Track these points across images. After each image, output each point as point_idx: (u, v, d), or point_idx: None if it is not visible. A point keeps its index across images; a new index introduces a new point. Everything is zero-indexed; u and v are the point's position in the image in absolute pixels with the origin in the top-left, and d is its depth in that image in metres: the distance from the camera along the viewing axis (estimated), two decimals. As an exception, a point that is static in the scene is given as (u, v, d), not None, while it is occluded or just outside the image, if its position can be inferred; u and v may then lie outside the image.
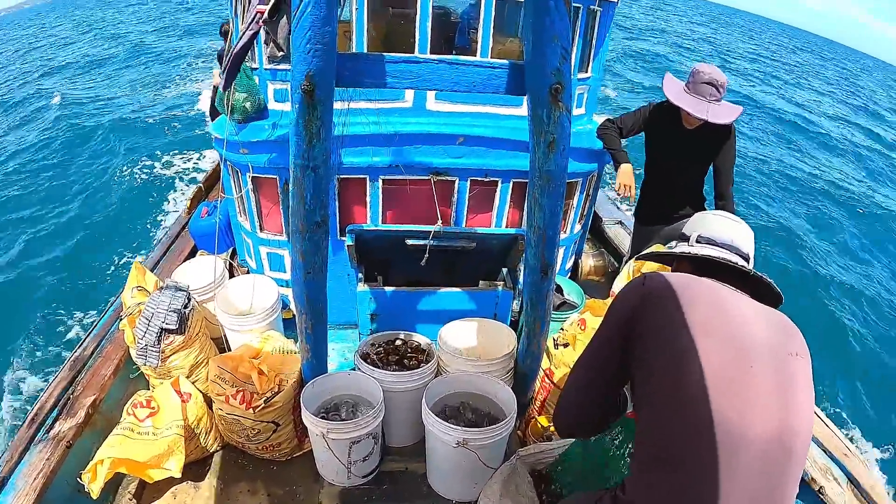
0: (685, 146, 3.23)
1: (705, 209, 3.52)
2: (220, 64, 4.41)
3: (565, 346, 2.80)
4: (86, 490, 2.38)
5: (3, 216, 9.36)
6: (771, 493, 1.23)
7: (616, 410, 1.63)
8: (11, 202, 9.86)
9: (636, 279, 1.44)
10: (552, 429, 2.80)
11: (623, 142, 3.45)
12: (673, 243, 1.65)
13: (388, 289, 3.15)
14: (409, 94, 3.18)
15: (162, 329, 2.78)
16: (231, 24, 2.89)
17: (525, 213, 3.44)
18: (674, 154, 3.29)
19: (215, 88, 4.63)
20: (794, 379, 1.28)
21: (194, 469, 2.78)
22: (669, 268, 1.66)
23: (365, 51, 3.07)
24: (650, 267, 3.10)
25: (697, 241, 1.53)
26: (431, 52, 3.06)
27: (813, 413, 1.33)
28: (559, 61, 1.71)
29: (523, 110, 3.25)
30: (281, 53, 1.94)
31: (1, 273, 7.71)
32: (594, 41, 3.52)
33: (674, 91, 3.05)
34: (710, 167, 3.35)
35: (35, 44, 27.88)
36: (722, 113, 2.96)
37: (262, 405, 2.60)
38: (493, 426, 2.45)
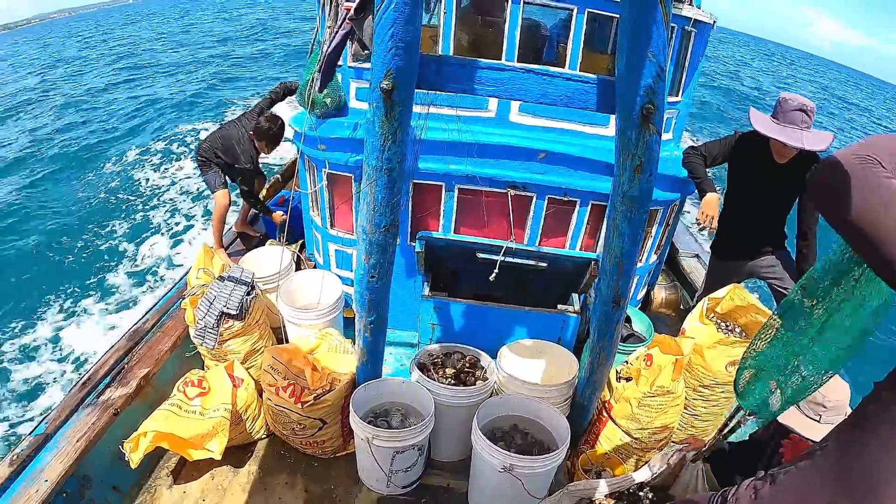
0: (773, 179, 3.02)
1: (785, 248, 3.28)
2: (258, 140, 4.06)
3: (628, 380, 2.64)
4: (126, 459, 2.42)
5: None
6: None
7: None
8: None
9: None
10: (602, 465, 2.65)
11: None
12: None
13: (454, 300, 3.07)
14: (493, 104, 3.10)
15: (222, 313, 2.83)
16: (318, 23, 2.91)
17: (602, 238, 3.28)
18: (760, 187, 3.08)
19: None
20: None
21: (236, 454, 2.81)
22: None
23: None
24: (725, 307, 2.90)
25: None
26: (519, 62, 2.99)
27: None
28: (654, 80, 1.57)
29: (610, 130, 3.10)
30: (366, 52, 1.90)
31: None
32: (686, 64, 3.35)
33: (763, 124, 2.86)
34: (796, 203, 3.13)
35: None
36: (815, 140, 2.76)
37: (312, 401, 2.58)
38: (543, 456, 2.33)
